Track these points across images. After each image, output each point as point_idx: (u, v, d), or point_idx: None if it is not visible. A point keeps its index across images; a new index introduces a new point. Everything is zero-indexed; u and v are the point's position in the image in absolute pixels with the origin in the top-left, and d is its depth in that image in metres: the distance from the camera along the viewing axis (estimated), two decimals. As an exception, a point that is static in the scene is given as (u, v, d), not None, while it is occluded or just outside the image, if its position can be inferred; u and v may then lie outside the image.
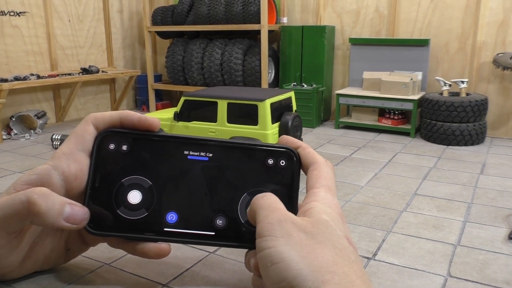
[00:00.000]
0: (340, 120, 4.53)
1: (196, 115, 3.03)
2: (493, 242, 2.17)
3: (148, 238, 0.42)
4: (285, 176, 0.43)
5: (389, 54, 4.43)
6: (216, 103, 2.93)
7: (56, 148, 3.77)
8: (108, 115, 0.44)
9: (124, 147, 0.43)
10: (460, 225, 2.35)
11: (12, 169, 3.25)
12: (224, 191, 0.43)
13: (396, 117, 4.29)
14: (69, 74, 4.63)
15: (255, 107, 2.82)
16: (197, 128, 3.02)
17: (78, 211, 0.40)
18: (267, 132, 2.80)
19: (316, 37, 4.58)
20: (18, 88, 4.06)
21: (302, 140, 3.05)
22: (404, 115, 4.32)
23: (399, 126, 4.27)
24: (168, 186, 0.43)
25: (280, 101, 2.94)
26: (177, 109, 3.06)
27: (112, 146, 0.43)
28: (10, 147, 3.85)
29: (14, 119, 4.22)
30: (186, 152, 0.43)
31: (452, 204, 2.63)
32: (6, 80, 3.98)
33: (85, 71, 4.75)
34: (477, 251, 2.09)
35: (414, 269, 1.92)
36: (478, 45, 4.14)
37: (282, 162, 0.43)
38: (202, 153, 0.44)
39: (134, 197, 0.43)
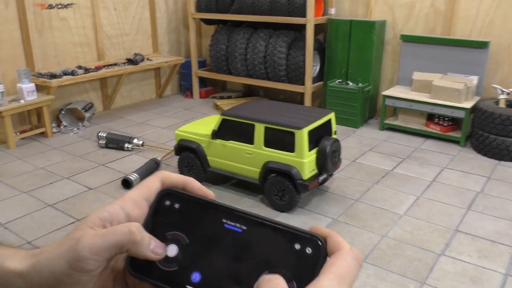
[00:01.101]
0: (385, 122, 4.36)
1: (234, 135, 2.93)
2: (534, 304, 2.09)
3: None
4: (308, 264, 0.43)
5: (443, 54, 4.15)
6: (253, 125, 2.84)
7: (101, 147, 3.90)
8: (176, 177, 0.50)
9: (177, 205, 0.49)
10: (501, 279, 2.26)
11: (61, 174, 3.40)
12: (247, 264, 0.45)
13: (445, 124, 4.07)
14: (115, 64, 4.70)
15: (293, 134, 2.72)
16: (233, 148, 2.94)
17: (159, 245, 0.46)
18: (304, 160, 2.73)
19: (365, 33, 4.34)
20: (67, 80, 4.18)
21: (340, 162, 2.99)
22: (455, 122, 4.09)
23: (448, 134, 4.06)
24: (201, 247, 0.47)
25: (319, 125, 2.85)
26: (215, 127, 2.99)
27: (167, 202, 0.49)
28: (59, 143, 4.01)
29: (63, 112, 4.37)
30: (224, 220, 0.47)
31: (496, 248, 2.51)
32: (55, 76, 4.09)
33: (130, 61, 4.79)
34: (515, 316, 2.01)
35: (444, 337, 1.88)
36: (545, 50, 3.78)
37: (309, 250, 0.44)
38: (237, 224, 0.46)
39: (172, 250, 0.47)
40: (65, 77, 4.14)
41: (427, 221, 2.78)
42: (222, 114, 2.99)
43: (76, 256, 0.43)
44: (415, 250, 2.49)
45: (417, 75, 4.20)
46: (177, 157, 3.29)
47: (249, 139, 2.87)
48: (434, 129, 4.13)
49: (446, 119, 4.07)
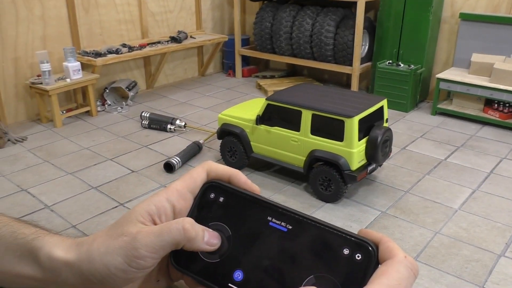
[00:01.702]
0: (438, 106, 4.11)
1: (279, 121, 2.82)
2: None
3: (213, 287, 0.46)
4: (357, 272, 0.40)
5: (507, 34, 3.82)
6: (300, 112, 2.71)
7: (144, 127, 3.89)
8: (222, 169, 0.49)
9: (221, 199, 0.48)
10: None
11: (105, 155, 3.42)
12: (292, 266, 0.43)
13: (505, 110, 3.79)
14: (158, 43, 4.65)
15: (342, 122, 2.57)
16: (279, 135, 2.83)
17: (213, 235, 0.46)
18: (353, 150, 2.57)
19: (421, 11, 4.06)
20: (111, 59, 4.17)
21: (391, 152, 2.82)
22: (516, 108, 3.80)
23: (508, 121, 3.77)
24: (244, 242, 0.46)
25: (370, 113, 2.68)
26: (259, 112, 2.88)
27: (212, 195, 0.48)
28: (104, 123, 4.04)
29: (107, 91, 4.39)
30: (269, 218, 0.45)
31: (562, 251, 2.31)
32: (100, 54, 4.09)
33: (173, 39, 4.73)
34: None
35: None
36: None
37: (358, 256, 0.41)
38: (283, 223, 0.45)
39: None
40: (109, 56, 4.13)
41: (485, 218, 2.60)
42: (267, 99, 2.87)
43: (134, 254, 0.43)
44: (471, 249, 2.33)
45: (476, 57, 3.91)
46: (219, 140, 3.20)
47: (295, 126, 2.76)
48: (492, 115, 3.85)
49: (507, 105, 3.78)
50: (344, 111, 2.59)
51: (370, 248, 0.41)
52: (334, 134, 2.62)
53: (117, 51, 4.21)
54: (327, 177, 2.70)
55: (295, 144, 2.79)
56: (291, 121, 2.77)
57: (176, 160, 3.14)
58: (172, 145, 3.57)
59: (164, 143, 3.62)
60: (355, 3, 4.17)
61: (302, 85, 3.20)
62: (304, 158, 2.77)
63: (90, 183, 3.02)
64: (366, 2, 4.19)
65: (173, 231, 0.44)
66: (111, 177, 3.10)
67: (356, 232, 0.42)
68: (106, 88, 4.41)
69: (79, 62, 3.93)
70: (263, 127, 2.90)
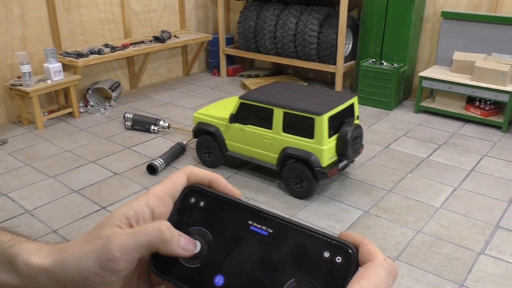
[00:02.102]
0: (421, 104, 4.14)
1: (252, 119, 2.84)
2: None
3: None
4: (337, 274, 0.41)
5: (488, 33, 3.86)
6: (272, 110, 2.73)
7: (127, 129, 3.86)
8: (202, 174, 0.49)
9: (202, 203, 0.48)
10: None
11: (87, 157, 3.38)
12: (273, 270, 0.43)
13: (487, 108, 3.83)
14: (142, 42, 4.61)
15: (312, 120, 2.59)
16: (251, 133, 2.86)
17: (189, 241, 0.46)
18: (323, 147, 2.57)
19: (403, 9, 4.08)
20: (94, 59, 4.12)
21: (362, 148, 2.83)
22: (497, 106, 3.84)
23: (489, 118, 3.82)
24: (225, 247, 0.46)
25: (341, 110, 2.72)
26: (233, 110, 2.90)
27: (192, 200, 0.48)
28: (86, 124, 3.99)
29: (90, 91, 4.34)
30: (250, 222, 0.46)
31: (540, 247, 2.35)
32: (81, 55, 4.04)
33: (157, 39, 4.69)
34: (562, 327, 1.87)
35: None
36: None
37: (338, 259, 0.41)
38: (264, 227, 0.45)
39: (196, 248, 0.47)
40: (91, 57, 4.08)
41: (465, 216, 2.62)
42: (240, 98, 2.89)
43: (107, 256, 0.43)
44: (452, 247, 2.35)
45: (457, 55, 3.94)
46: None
47: (268, 124, 2.80)
48: (474, 113, 3.89)
49: (488, 102, 3.82)
50: (314, 109, 2.62)
51: (350, 251, 0.41)
52: (305, 131, 2.66)
53: (99, 52, 4.16)
54: (299, 174, 2.74)
55: (268, 142, 2.83)
56: (264, 119, 2.80)
57: (159, 162, 3.12)
58: (156, 146, 3.54)
59: (148, 145, 3.60)
60: (339, 1, 4.18)
61: (275, 83, 3.24)
62: (277, 156, 2.81)
63: (72, 187, 2.98)
64: (350, 1, 4.20)
65: (148, 232, 0.44)
66: (93, 180, 3.07)
67: (337, 234, 0.43)
68: (89, 89, 4.36)
69: (60, 63, 3.88)
70: (236, 125, 2.92)
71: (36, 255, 0.46)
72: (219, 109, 3.15)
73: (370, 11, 4.30)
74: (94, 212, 2.72)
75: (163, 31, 4.85)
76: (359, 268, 0.41)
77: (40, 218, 2.64)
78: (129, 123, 3.86)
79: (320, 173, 2.65)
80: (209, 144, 3.11)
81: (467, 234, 2.46)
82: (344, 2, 4.14)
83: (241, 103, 2.86)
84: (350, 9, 4.33)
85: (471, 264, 2.24)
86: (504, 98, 3.65)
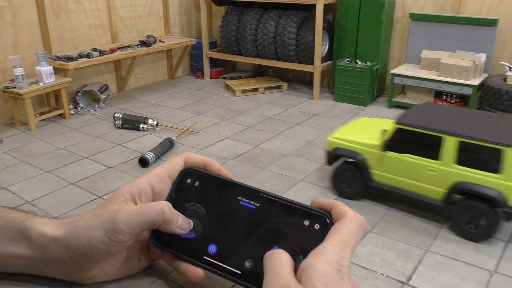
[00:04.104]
0: (393, 99, 4.44)
1: (411, 148, 2.48)
2: (532, 270, 2.20)
3: (190, 261, 0.51)
4: (316, 239, 0.44)
5: (452, 32, 4.19)
6: (441, 138, 2.37)
7: (117, 127, 4.05)
8: (198, 158, 0.55)
9: (197, 183, 0.53)
10: (501, 246, 2.38)
11: (81, 154, 3.56)
12: (259, 238, 0.48)
13: (453, 101, 4.14)
14: (128, 47, 4.81)
15: (499, 152, 2.23)
16: (409, 163, 2.49)
17: (185, 221, 0.51)
18: None
19: (374, 12, 4.39)
20: (83, 63, 4.31)
21: None
22: (462, 99, 4.16)
23: (455, 111, 4.12)
24: (217, 220, 0.51)
25: None
26: (386, 136, 2.55)
27: (189, 180, 0.54)
28: (77, 125, 4.17)
29: (80, 94, 4.52)
30: (239, 198, 0.51)
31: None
32: (71, 59, 4.22)
33: (143, 43, 4.90)
34: (513, 281, 2.13)
35: (446, 299, 2.02)
36: (553, 27, 3.81)
37: (317, 226, 0.46)
38: (252, 202, 0.50)
39: (192, 223, 0.52)
40: (81, 60, 4.26)
41: (433, 195, 2.89)
42: (397, 123, 2.53)
43: (114, 228, 0.47)
44: (420, 221, 2.62)
45: (425, 53, 4.26)
46: (328, 166, 2.88)
47: (433, 154, 2.43)
48: (442, 106, 4.20)
49: (454, 96, 4.13)
50: (502, 139, 2.27)
51: (327, 220, 0.46)
52: (487, 164, 2.31)
53: (88, 55, 4.35)
54: (475, 213, 2.38)
55: (433, 174, 2.47)
56: (428, 148, 2.45)
57: (150, 155, 3.32)
58: (146, 142, 3.74)
59: (138, 141, 3.80)
60: (315, 6, 4.46)
61: (426, 105, 2.95)
62: (444, 191, 2.44)
63: (68, 179, 3.16)
64: (325, 5, 4.49)
65: (152, 211, 0.49)
66: (88, 173, 3.25)
67: (309, 203, 0.49)
68: (78, 91, 4.53)
69: (51, 66, 4.05)
70: (390, 154, 2.58)
71: (48, 226, 0.50)
72: (358, 133, 2.82)
73: (344, 14, 4.60)
74: (92, 200, 2.90)
75: (148, 36, 5.06)
76: (335, 225, 0.45)
77: (41, 207, 2.81)
78: (119, 122, 4.05)
79: (508, 214, 2.29)
80: (350, 173, 2.77)
81: (433, 209, 2.73)
82: (320, 6, 4.43)
83: (398, 129, 2.52)
84: (325, 12, 4.62)
85: (436, 233, 2.50)
86: (467, 91, 3.97)
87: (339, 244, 0.43)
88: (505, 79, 3.89)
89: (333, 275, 0.40)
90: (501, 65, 3.93)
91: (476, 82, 3.92)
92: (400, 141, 2.53)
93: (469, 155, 2.34)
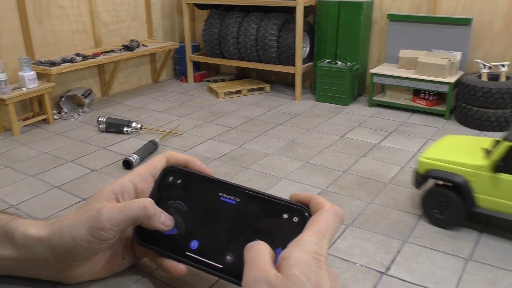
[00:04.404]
0: (373, 98, 4.54)
1: None
2: (507, 257, 2.28)
3: (173, 257, 0.51)
4: (295, 231, 0.45)
5: (428, 32, 4.31)
6: None
7: (101, 131, 4.07)
8: (180, 157, 0.56)
9: (179, 181, 0.54)
10: (476, 236, 2.47)
11: (65, 158, 3.58)
12: (240, 233, 0.49)
13: (431, 98, 4.25)
14: (112, 51, 4.83)
15: None
16: None
17: (168, 217, 0.52)
18: None
19: (353, 13, 4.49)
20: (66, 68, 4.32)
21: None
22: (440, 96, 4.27)
23: (433, 108, 4.24)
24: (199, 217, 0.52)
25: None
26: (496, 156, 2.30)
27: (171, 178, 0.55)
28: (61, 129, 4.18)
29: (63, 99, 4.53)
30: (220, 194, 0.52)
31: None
32: (54, 64, 4.24)
33: (126, 48, 4.93)
34: (487, 267, 2.22)
35: (423, 286, 2.09)
36: (524, 25, 3.95)
37: (295, 219, 0.47)
38: (232, 197, 0.51)
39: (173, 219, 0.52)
40: (64, 65, 4.28)
41: (411, 188, 2.97)
42: (507, 139, 2.28)
43: (97, 226, 0.48)
44: (398, 213, 2.69)
45: (403, 53, 4.37)
46: (418, 189, 2.64)
47: None
48: (420, 103, 4.31)
49: (432, 94, 4.24)
50: None
51: (305, 212, 0.48)
52: None
53: (71, 60, 4.37)
54: None
55: None
56: None
57: (134, 158, 3.36)
58: (130, 145, 3.77)
59: (122, 144, 3.82)
60: (295, 7, 4.55)
61: None
62: None
63: (53, 183, 3.18)
64: (305, 7, 4.58)
65: (134, 208, 0.49)
66: (73, 176, 3.27)
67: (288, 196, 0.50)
68: (62, 96, 4.54)
69: (34, 72, 4.06)
70: (504, 176, 2.30)
71: (32, 227, 0.50)
72: (454, 151, 2.56)
73: (324, 16, 4.69)
74: (76, 203, 2.92)
75: (132, 40, 5.10)
76: (313, 217, 0.46)
77: (25, 211, 2.83)
78: (103, 126, 4.08)
79: None
80: (445, 197, 2.48)
81: (412, 202, 2.82)
82: (300, 9, 4.51)
83: (511, 147, 2.26)
84: (306, 15, 4.71)
85: (414, 225, 2.58)
86: (444, 89, 4.08)
87: (317, 234, 0.44)
88: (479, 76, 4.01)
89: (311, 264, 0.41)
90: (476, 63, 4.05)
91: (452, 79, 4.04)
92: None
93: None
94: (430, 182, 2.60)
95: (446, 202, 2.48)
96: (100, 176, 3.28)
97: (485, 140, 2.60)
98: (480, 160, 2.38)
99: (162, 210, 0.52)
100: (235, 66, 5.54)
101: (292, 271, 0.40)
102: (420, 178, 2.58)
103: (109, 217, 0.48)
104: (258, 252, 0.44)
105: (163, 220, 0.51)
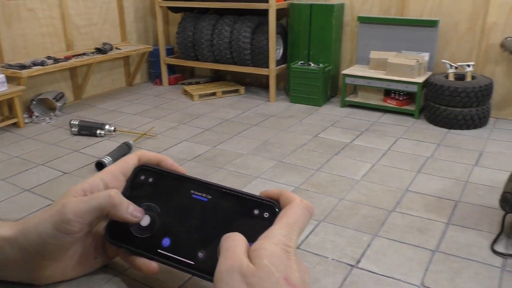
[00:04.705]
0: (346, 99, 4.62)
1: None
2: (470, 247, 2.36)
3: (145, 255, 0.51)
4: (266, 226, 0.46)
5: (397, 33, 4.42)
6: None
7: (74, 134, 4.02)
8: (152, 155, 0.56)
9: (150, 180, 0.54)
10: (443, 227, 2.54)
11: (36, 161, 3.52)
12: (212, 229, 0.49)
13: (401, 98, 4.36)
14: (84, 54, 4.79)
15: None
16: None
17: (137, 209, 0.52)
18: None
19: (325, 16, 4.57)
20: (37, 71, 4.26)
21: None
22: (409, 96, 4.38)
23: (403, 107, 4.35)
24: (171, 215, 0.52)
25: None
26: None
27: (142, 177, 0.54)
28: (32, 133, 4.12)
29: (34, 102, 4.46)
30: (192, 191, 0.52)
31: (441, 203, 2.80)
32: (24, 67, 4.17)
33: (99, 50, 4.90)
34: (452, 258, 2.29)
35: (391, 278, 2.14)
36: (488, 27, 4.09)
37: (266, 214, 0.48)
38: (204, 194, 0.51)
39: (146, 219, 0.52)
40: (35, 68, 4.22)
41: (381, 184, 3.05)
42: None
43: (62, 219, 0.47)
44: (369, 209, 2.75)
45: (373, 54, 4.46)
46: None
47: None
48: (390, 103, 4.41)
49: (402, 94, 4.35)
50: None
51: (275, 207, 0.49)
52: None
53: (42, 63, 4.31)
54: None
55: None
56: None
57: (108, 159, 3.33)
58: (103, 148, 3.74)
59: (95, 147, 3.79)
60: (268, 10, 4.60)
61: None
62: None
63: (23, 186, 3.13)
64: (278, 10, 4.64)
65: (99, 197, 0.49)
66: (43, 180, 3.23)
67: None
68: (33, 100, 4.48)
69: (3, 75, 3.99)
70: None
71: (0, 228, 0.50)
72: None
73: (297, 19, 4.76)
74: (47, 205, 2.88)
75: (104, 43, 5.06)
76: (282, 210, 0.47)
77: (-6, 214, 2.78)
78: (75, 129, 4.03)
79: None
80: None
81: (381, 198, 2.88)
82: (272, 11, 4.57)
83: None
84: (278, 17, 4.77)
85: (384, 219, 2.64)
86: (413, 88, 4.19)
87: (286, 227, 0.45)
88: (447, 76, 4.14)
89: (281, 255, 0.42)
90: (443, 63, 4.18)
91: (421, 79, 4.15)
92: None
93: None
94: None
95: None
96: (72, 179, 3.24)
97: None
98: None
99: (130, 202, 0.51)
100: (210, 68, 5.55)
101: (262, 262, 0.41)
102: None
103: (73, 209, 0.48)
104: (235, 242, 0.44)
105: (132, 211, 0.51)
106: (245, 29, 4.80)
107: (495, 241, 2.38)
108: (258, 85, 5.52)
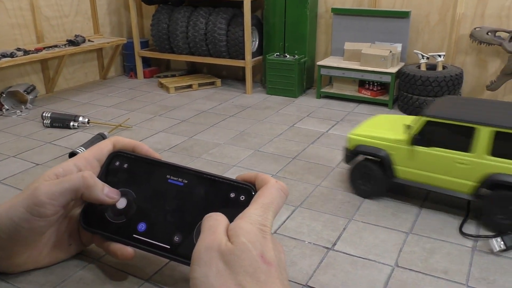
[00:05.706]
0: (321, 90, 4.67)
1: (440, 140, 2.38)
2: (442, 229, 2.43)
3: (120, 241, 0.51)
4: (242, 209, 0.46)
5: (370, 25, 4.49)
6: (474, 129, 2.28)
7: (46, 126, 3.94)
8: (127, 141, 0.56)
9: (125, 165, 0.54)
10: (416, 211, 2.60)
11: (7, 153, 3.43)
12: (188, 213, 0.50)
13: (375, 89, 4.42)
14: (56, 46, 4.69)
15: None
16: (437, 157, 2.40)
17: (113, 190, 0.51)
18: None
19: (299, 8, 4.60)
20: (6, 63, 4.15)
21: None
22: (383, 87, 4.45)
23: (377, 98, 4.42)
24: (147, 200, 0.52)
25: None
26: (414, 131, 2.44)
27: (117, 163, 0.54)
28: (3, 126, 4.01)
29: (4, 95, 4.34)
30: (168, 176, 0.52)
31: (414, 188, 2.86)
32: (-7, 58, 4.06)
33: (71, 42, 4.80)
34: (425, 239, 2.34)
35: (367, 259, 2.18)
36: (458, 18, 4.19)
37: (242, 197, 0.49)
38: (180, 179, 0.51)
39: (121, 203, 0.52)
40: (3, 59, 4.11)
41: (357, 171, 3.09)
42: (425, 115, 2.41)
43: (34, 202, 0.46)
44: (345, 194, 2.79)
45: (348, 45, 4.52)
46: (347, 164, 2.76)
47: (464, 146, 2.35)
48: (365, 94, 4.48)
49: (376, 84, 4.42)
50: None
51: (251, 190, 0.49)
52: None
53: (12, 55, 4.20)
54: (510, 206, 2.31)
55: (462, 167, 2.38)
56: (457, 140, 2.36)
57: (81, 150, 3.28)
58: (77, 139, 3.68)
59: (68, 139, 3.72)
60: (242, 2, 4.60)
61: (449, 97, 2.85)
62: (475, 184, 2.37)
63: (-6, 179, 3.05)
64: (252, 2, 4.63)
65: (72, 179, 0.48)
66: (15, 171, 3.15)
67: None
68: (3, 92, 4.36)
69: (-29, 66, 3.88)
70: (418, 148, 2.47)
71: None
72: (379, 129, 2.72)
73: (272, 10, 4.77)
74: (19, 197, 2.82)
75: (77, 36, 4.96)
76: (258, 192, 0.48)
77: (-37, 206, 2.70)
78: (47, 121, 3.95)
79: None
80: (369, 170, 2.66)
81: (357, 184, 2.92)
82: (247, 3, 4.57)
83: (427, 122, 2.40)
84: (254, 9, 4.77)
85: (359, 204, 2.68)
86: (387, 79, 4.26)
87: (262, 207, 0.45)
88: (419, 66, 4.22)
89: (257, 234, 0.43)
90: (415, 54, 4.26)
91: (394, 70, 4.23)
92: (429, 135, 2.42)
93: (505, 146, 2.25)
94: (360, 157, 2.76)
95: (369, 174, 2.67)
96: (45, 170, 3.08)
97: (410, 117, 2.79)
98: (401, 135, 2.56)
99: (105, 184, 0.51)
100: (185, 61, 5.51)
101: (239, 239, 0.42)
102: (349, 154, 2.75)
103: (46, 191, 0.47)
104: (217, 222, 0.45)
105: (107, 192, 0.50)
106: (220, 20, 4.78)
107: (462, 224, 2.45)
108: (234, 77, 5.51)
